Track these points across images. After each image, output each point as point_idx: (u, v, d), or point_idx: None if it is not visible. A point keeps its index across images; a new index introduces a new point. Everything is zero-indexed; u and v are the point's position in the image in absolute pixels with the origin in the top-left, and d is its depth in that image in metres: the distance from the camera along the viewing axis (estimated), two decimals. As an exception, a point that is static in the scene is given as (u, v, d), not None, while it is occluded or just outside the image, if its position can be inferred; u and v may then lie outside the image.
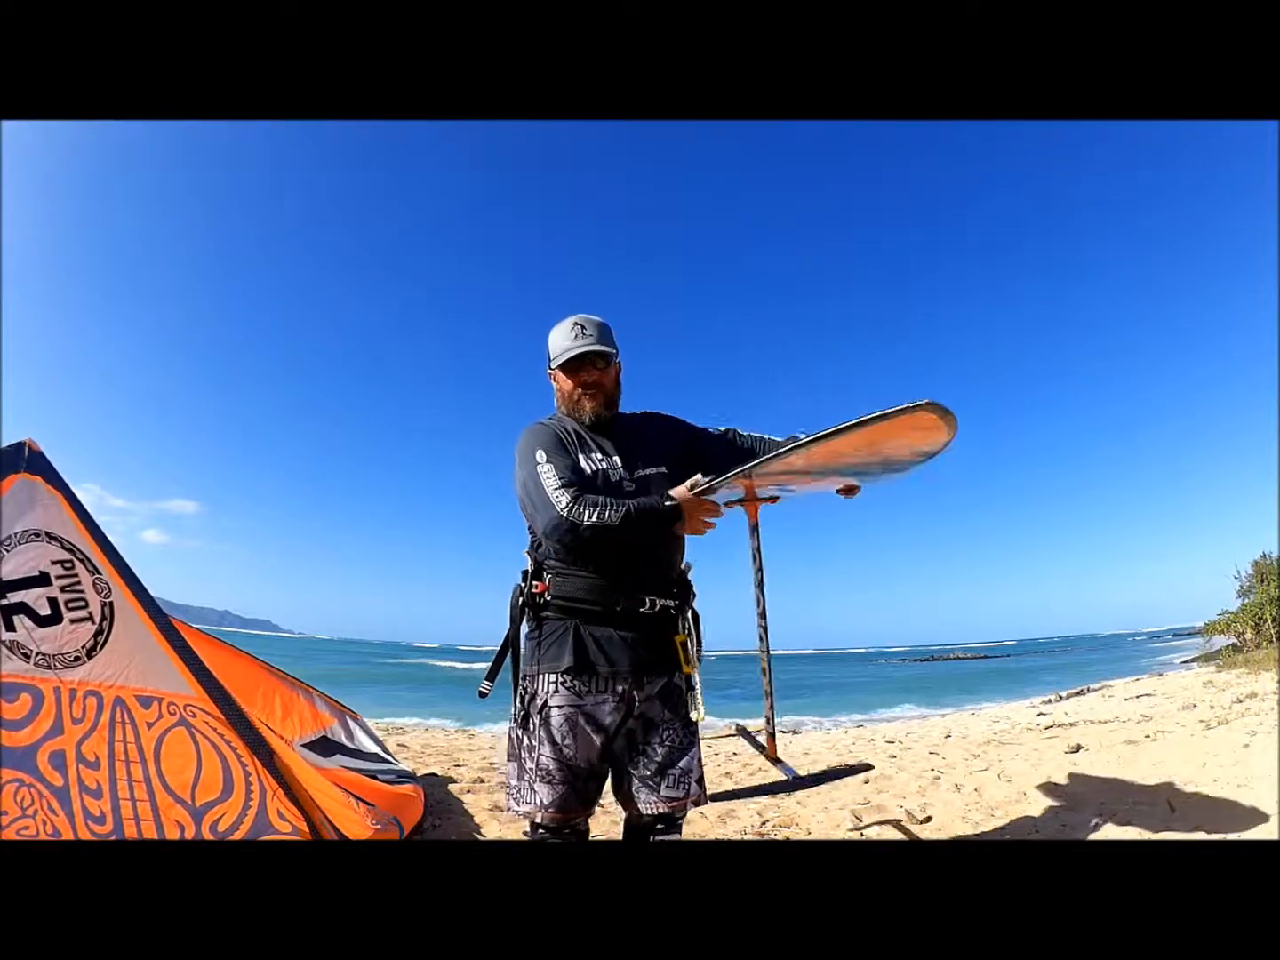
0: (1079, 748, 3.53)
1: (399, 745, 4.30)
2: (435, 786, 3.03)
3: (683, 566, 1.68)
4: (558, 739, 1.52)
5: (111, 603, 1.49)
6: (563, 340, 1.62)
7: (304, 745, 2.58)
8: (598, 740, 1.53)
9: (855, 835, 2.51)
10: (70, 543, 1.49)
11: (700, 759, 1.61)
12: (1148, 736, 3.55)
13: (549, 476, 1.52)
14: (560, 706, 1.52)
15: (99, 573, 1.49)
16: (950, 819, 2.64)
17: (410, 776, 2.77)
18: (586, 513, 1.46)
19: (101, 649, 1.48)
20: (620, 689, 1.54)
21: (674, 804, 1.55)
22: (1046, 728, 4.65)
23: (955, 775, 3.37)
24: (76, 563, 1.49)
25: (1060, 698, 7.55)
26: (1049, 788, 2.87)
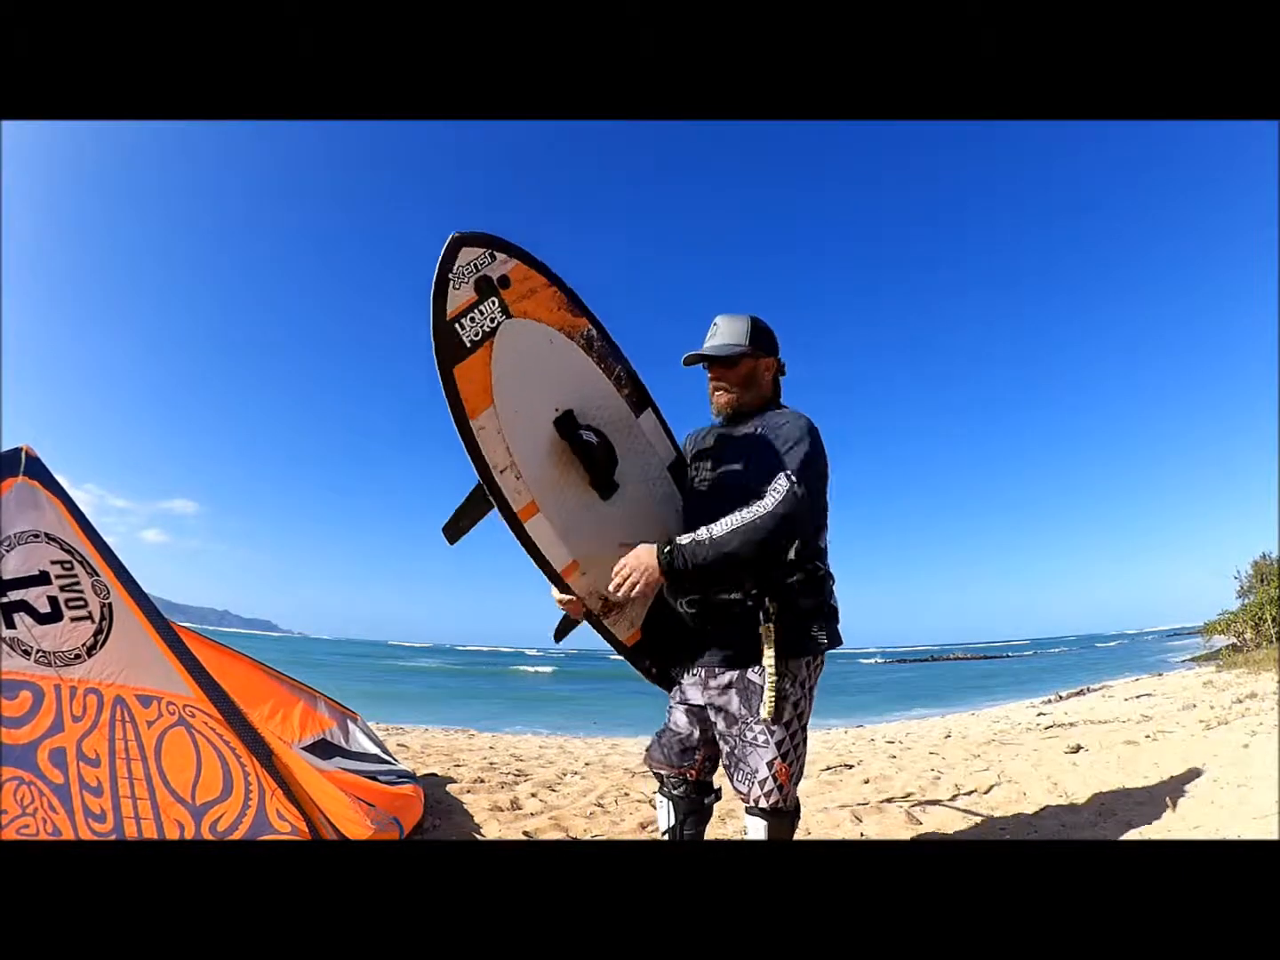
0: (1079, 748, 3.53)
1: (399, 745, 4.30)
2: (435, 786, 3.03)
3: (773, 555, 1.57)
4: (668, 705, 1.79)
5: (110, 604, 1.49)
6: None
7: (304, 748, 2.58)
8: (682, 709, 1.74)
9: (857, 835, 2.51)
10: (69, 545, 1.49)
11: (774, 760, 1.57)
12: (1148, 736, 3.56)
13: None
14: (676, 682, 1.78)
15: (97, 575, 1.49)
16: (950, 819, 2.64)
17: (410, 776, 2.77)
18: None
19: (101, 648, 1.47)
20: (700, 675, 1.70)
21: (740, 796, 1.65)
22: (1046, 728, 4.66)
23: (955, 775, 3.37)
24: (75, 564, 1.49)
25: (1060, 698, 7.55)
26: (1049, 788, 2.87)
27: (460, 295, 1.46)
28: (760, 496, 1.50)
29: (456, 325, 1.46)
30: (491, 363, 1.50)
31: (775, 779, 1.59)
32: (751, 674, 1.60)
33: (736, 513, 1.48)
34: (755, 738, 1.60)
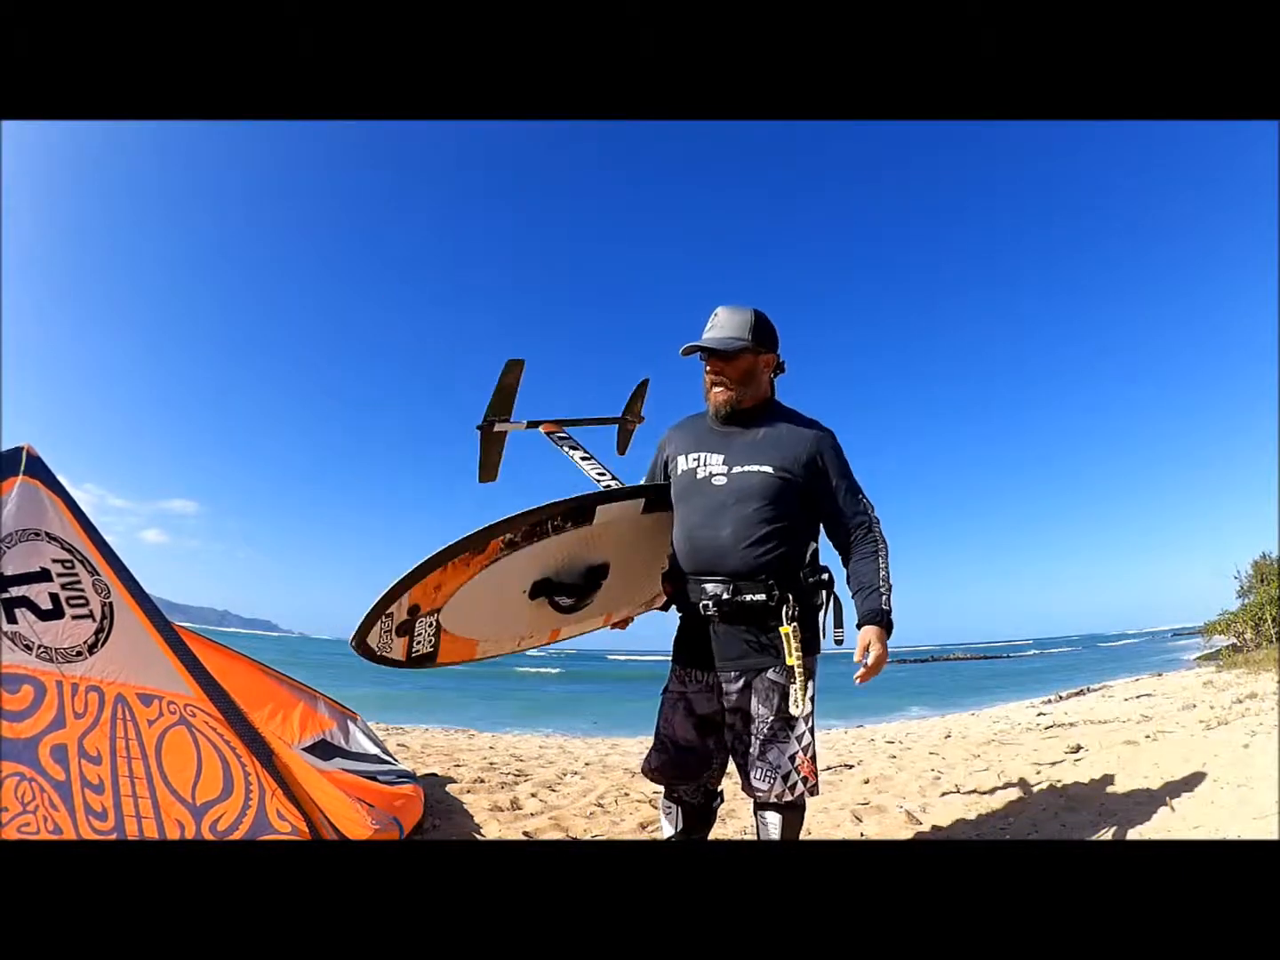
0: (1079, 748, 3.53)
1: (399, 745, 4.30)
2: (435, 786, 3.03)
3: (786, 555, 1.64)
4: (665, 715, 1.74)
5: (111, 603, 1.49)
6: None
7: (304, 749, 2.57)
8: (689, 723, 1.71)
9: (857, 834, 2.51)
10: (70, 544, 1.49)
11: (797, 754, 1.62)
12: (1148, 736, 3.55)
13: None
14: (669, 690, 1.76)
15: (98, 574, 1.49)
16: (950, 819, 2.64)
17: (410, 776, 2.77)
18: None
19: (102, 646, 1.47)
20: (709, 680, 1.68)
21: (760, 794, 1.64)
22: (1046, 728, 4.65)
23: (955, 775, 3.37)
24: (76, 563, 1.49)
25: (1060, 698, 7.54)
26: (1049, 788, 2.87)
27: (397, 648, 1.62)
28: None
29: (412, 655, 1.65)
30: (458, 636, 1.71)
31: (799, 772, 1.61)
32: (771, 673, 1.62)
33: (876, 555, 1.66)
34: (776, 734, 1.62)
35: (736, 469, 1.65)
